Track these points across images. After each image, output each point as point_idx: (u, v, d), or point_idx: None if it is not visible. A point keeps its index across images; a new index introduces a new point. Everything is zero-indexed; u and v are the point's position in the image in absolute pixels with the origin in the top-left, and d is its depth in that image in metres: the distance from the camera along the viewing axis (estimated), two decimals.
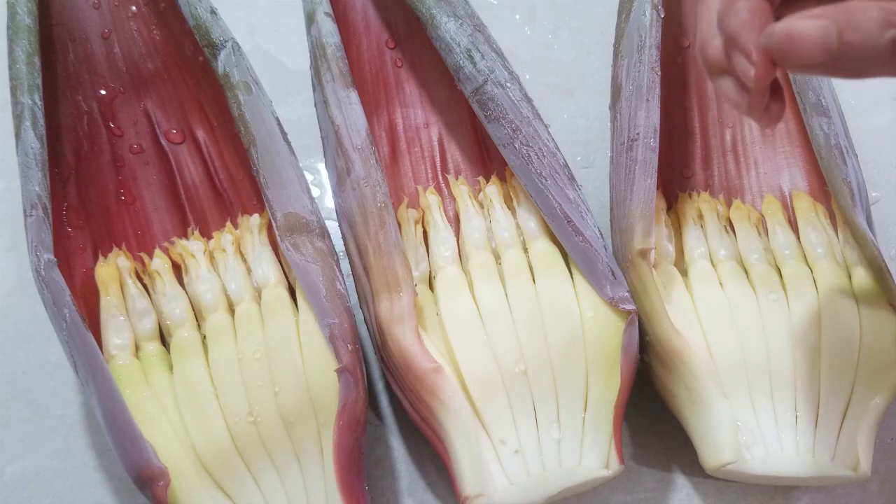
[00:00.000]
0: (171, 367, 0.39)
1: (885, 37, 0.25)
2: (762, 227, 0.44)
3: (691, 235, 0.43)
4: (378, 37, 0.49)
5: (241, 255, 0.42)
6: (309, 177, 0.50)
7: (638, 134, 0.41)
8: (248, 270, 0.41)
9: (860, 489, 0.41)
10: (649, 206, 0.39)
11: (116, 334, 0.39)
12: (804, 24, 0.25)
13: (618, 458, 0.36)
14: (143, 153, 0.46)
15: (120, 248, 0.43)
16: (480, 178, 0.45)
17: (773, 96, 0.28)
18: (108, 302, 0.40)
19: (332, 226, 0.44)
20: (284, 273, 0.40)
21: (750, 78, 0.26)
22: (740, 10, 0.27)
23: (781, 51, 0.25)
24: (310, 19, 0.45)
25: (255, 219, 0.43)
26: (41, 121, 0.39)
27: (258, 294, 0.40)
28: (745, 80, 0.27)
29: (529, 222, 0.41)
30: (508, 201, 0.43)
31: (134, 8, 0.46)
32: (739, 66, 0.27)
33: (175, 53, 0.46)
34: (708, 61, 0.29)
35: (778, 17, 0.27)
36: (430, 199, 0.44)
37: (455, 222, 0.43)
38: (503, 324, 0.38)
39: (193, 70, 0.46)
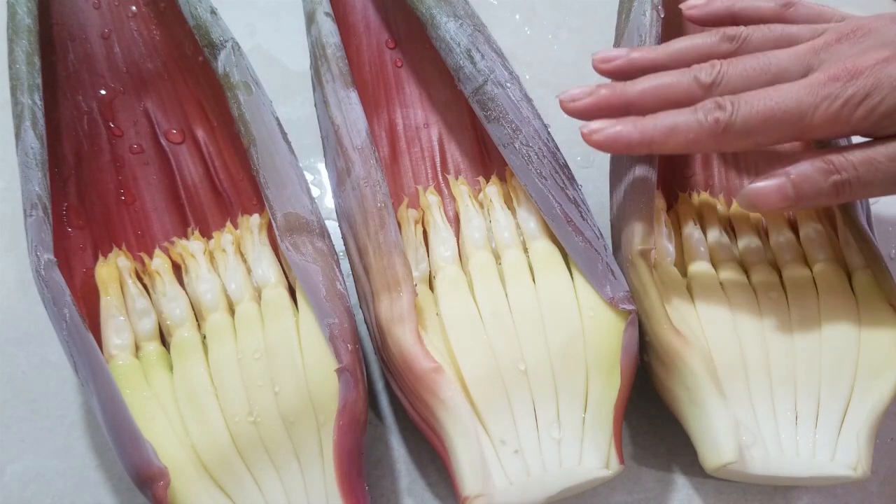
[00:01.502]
0: (171, 367, 0.39)
1: (828, 182, 0.34)
2: (762, 227, 0.44)
3: (691, 235, 0.43)
4: (378, 37, 0.49)
5: (241, 255, 0.41)
6: (309, 177, 0.50)
7: None
8: (248, 270, 0.41)
9: (860, 489, 0.41)
10: (649, 206, 0.39)
11: (116, 334, 0.39)
12: (766, 185, 0.34)
13: (618, 458, 0.36)
14: (143, 153, 0.46)
15: (120, 248, 0.43)
16: (480, 178, 0.45)
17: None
18: (108, 302, 0.40)
19: (332, 226, 0.44)
20: (284, 273, 0.40)
21: None
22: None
23: (753, 205, 0.34)
24: (310, 19, 0.45)
25: (255, 219, 0.43)
26: (41, 121, 0.39)
27: (258, 294, 0.40)
28: None
29: (529, 222, 0.41)
30: (508, 201, 0.43)
31: (134, 8, 0.46)
32: None
33: (175, 53, 0.46)
34: None
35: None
36: (430, 199, 0.44)
37: (455, 222, 0.43)
38: (503, 324, 0.38)
39: (193, 70, 0.46)
